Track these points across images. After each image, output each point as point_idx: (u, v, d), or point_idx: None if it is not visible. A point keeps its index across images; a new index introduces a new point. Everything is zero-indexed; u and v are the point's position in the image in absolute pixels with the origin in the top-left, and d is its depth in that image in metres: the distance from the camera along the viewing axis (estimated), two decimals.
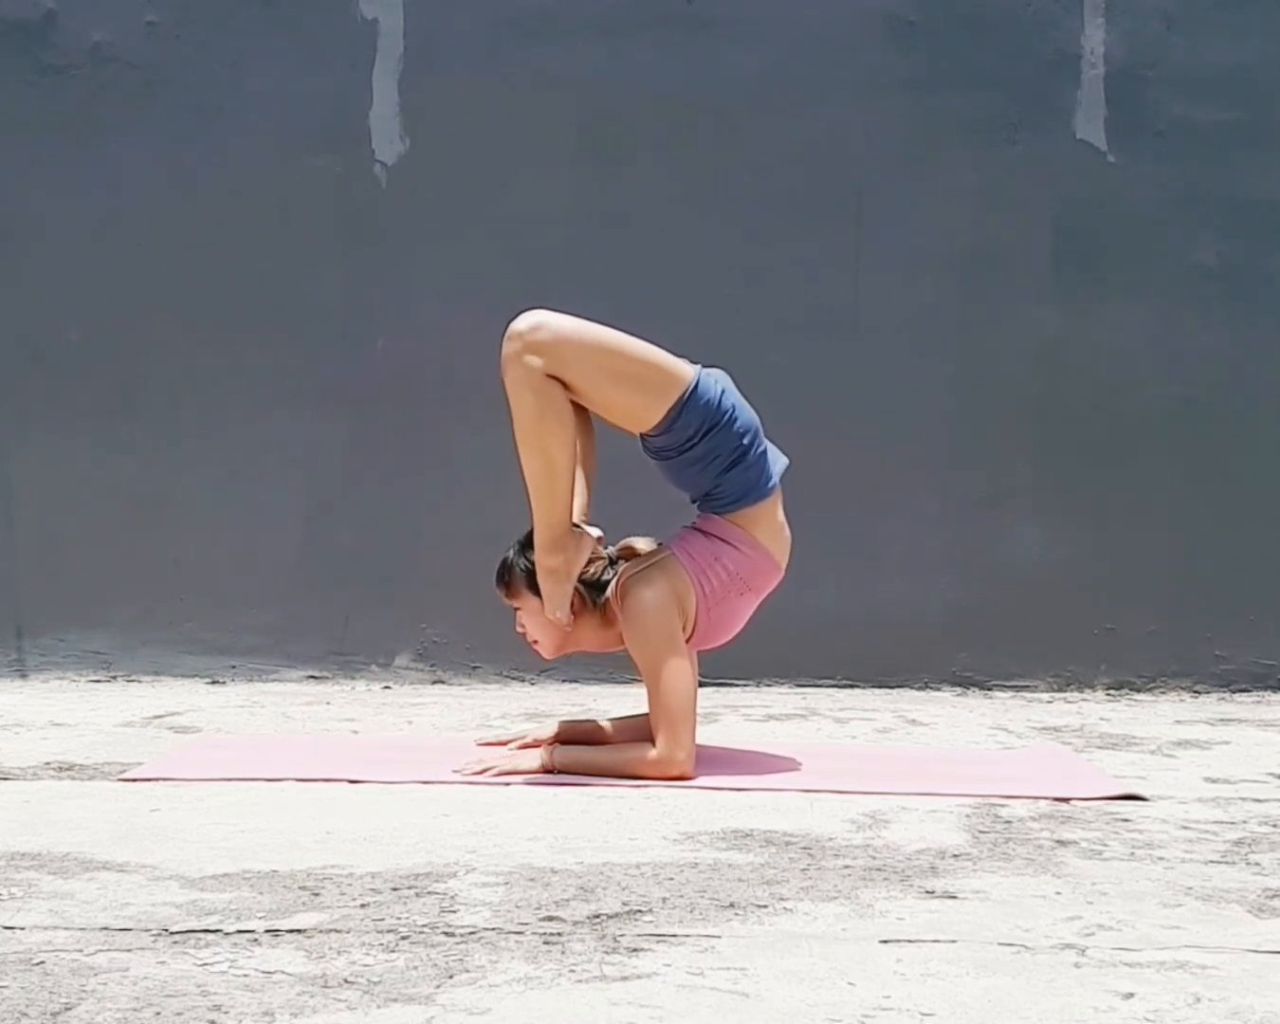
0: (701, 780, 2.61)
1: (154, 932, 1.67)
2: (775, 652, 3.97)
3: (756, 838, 2.19)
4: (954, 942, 1.66)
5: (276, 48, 4.14)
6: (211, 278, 4.14)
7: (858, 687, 4.08)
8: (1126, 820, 2.35)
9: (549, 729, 2.90)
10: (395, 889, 1.86)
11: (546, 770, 2.67)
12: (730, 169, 4.11)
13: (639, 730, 2.78)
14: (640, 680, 2.73)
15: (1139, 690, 4.05)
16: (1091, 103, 4.06)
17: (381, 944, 1.63)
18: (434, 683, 4.12)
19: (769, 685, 4.10)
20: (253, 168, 4.14)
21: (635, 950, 1.61)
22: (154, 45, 4.14)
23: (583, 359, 2.53)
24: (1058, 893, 1.88)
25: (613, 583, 2.74)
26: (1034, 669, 4.07)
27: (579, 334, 2.54)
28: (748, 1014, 1.42)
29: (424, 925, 1.70)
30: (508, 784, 2.60)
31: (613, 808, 2.40)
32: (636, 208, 4.12)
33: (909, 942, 1.66)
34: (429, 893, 1.85)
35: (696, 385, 2.58)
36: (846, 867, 2.01)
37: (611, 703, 3.69)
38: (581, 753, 2.73)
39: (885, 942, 1.66)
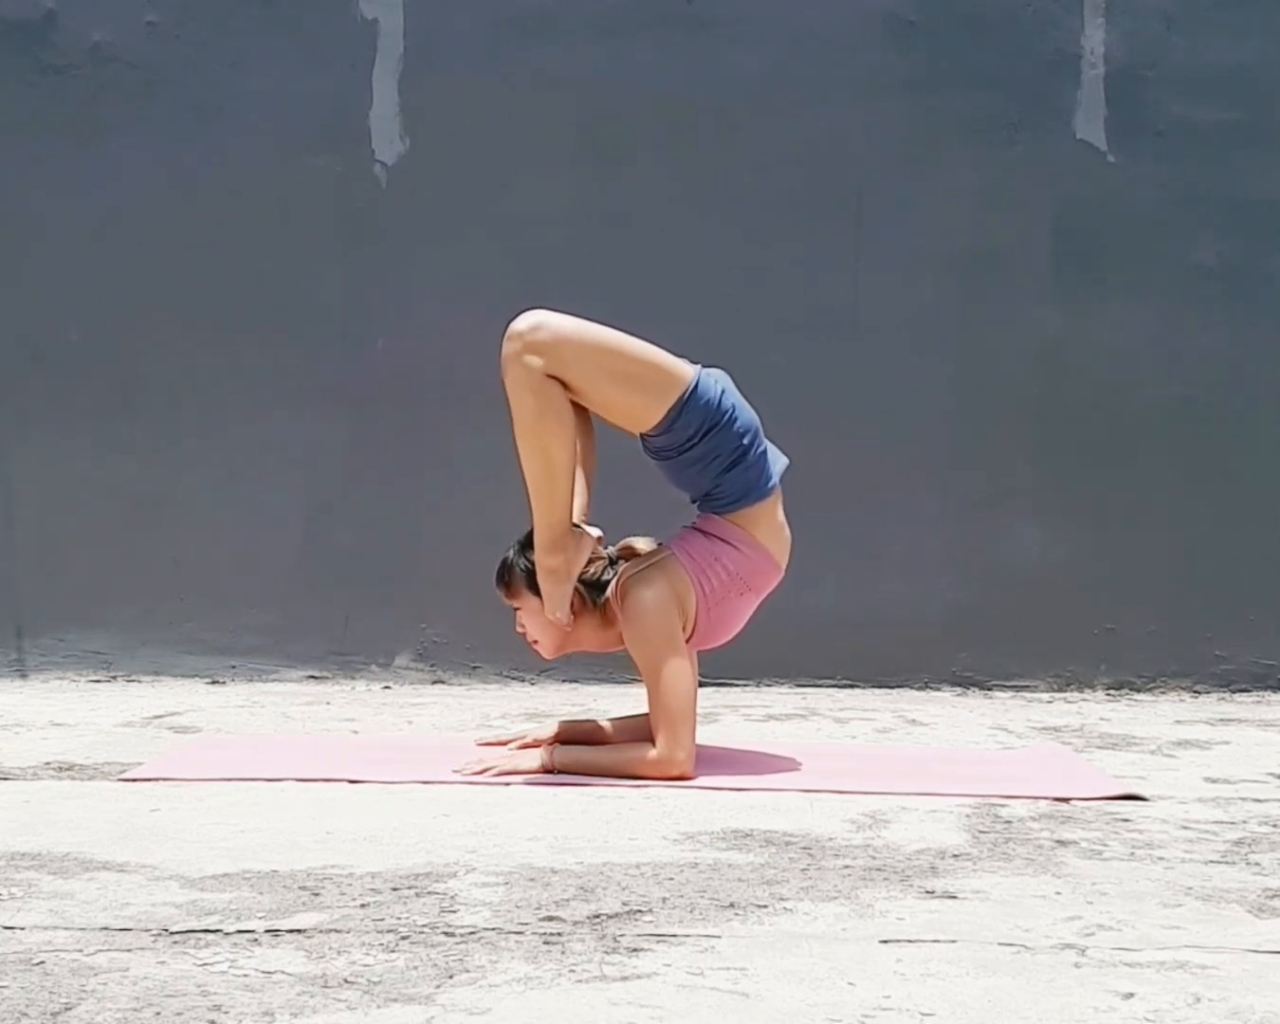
0: (701, 780, 2.61)
1: (154, 932, 1.67)
2: (775, 652, 3.97)
3: (756, 838, 2.19)
4: (954, 942, 1.66)
5: (276, 48, 4.14)
6: (211, 278, 4.14)
7: (858, 687, 4.08)
8: (1126, 820, 2.35)
9: (549, 729, 2.90)
10: (395, 889, 1.86)
11: (546, 770, 2.67)
12: (730, 169, 4.11)
13: (639, 730, 2.78)
14: (640, 680, 2.73)
15: (1139, 690, 4.05)
16: (1091, 103, 4.06)
17: (381, 944, 1.63)
18: (434, 683, 4.12)
19: (769, 685, 4.10)
20: (253, 168, 4.14)
21: (635, 950, 1.61)
22: (154, 45, 4.14)
23: (583, 359, 2.53)
24: (1058, 893, 1.88)
25: (613, 583, 2.74)
26: (1034, 669, 4.07)
27: (579, 334, 2.54)
28: (748, 1014, 1.42)
29: (424, 925, 1.70)
30: (508, 784, 2.60)
31: (613, 808, 2.40)
32: (636, 208, 4.12)
33: (909, 942, 1.66)
34: (429, 893, 1.85)
35: (696, 385, 2.58)
36: (846, 867, 2.01)
37: (611, 703, 3.69)
38: (581, 753, 2.73)
39: (885, 942, 1.66)
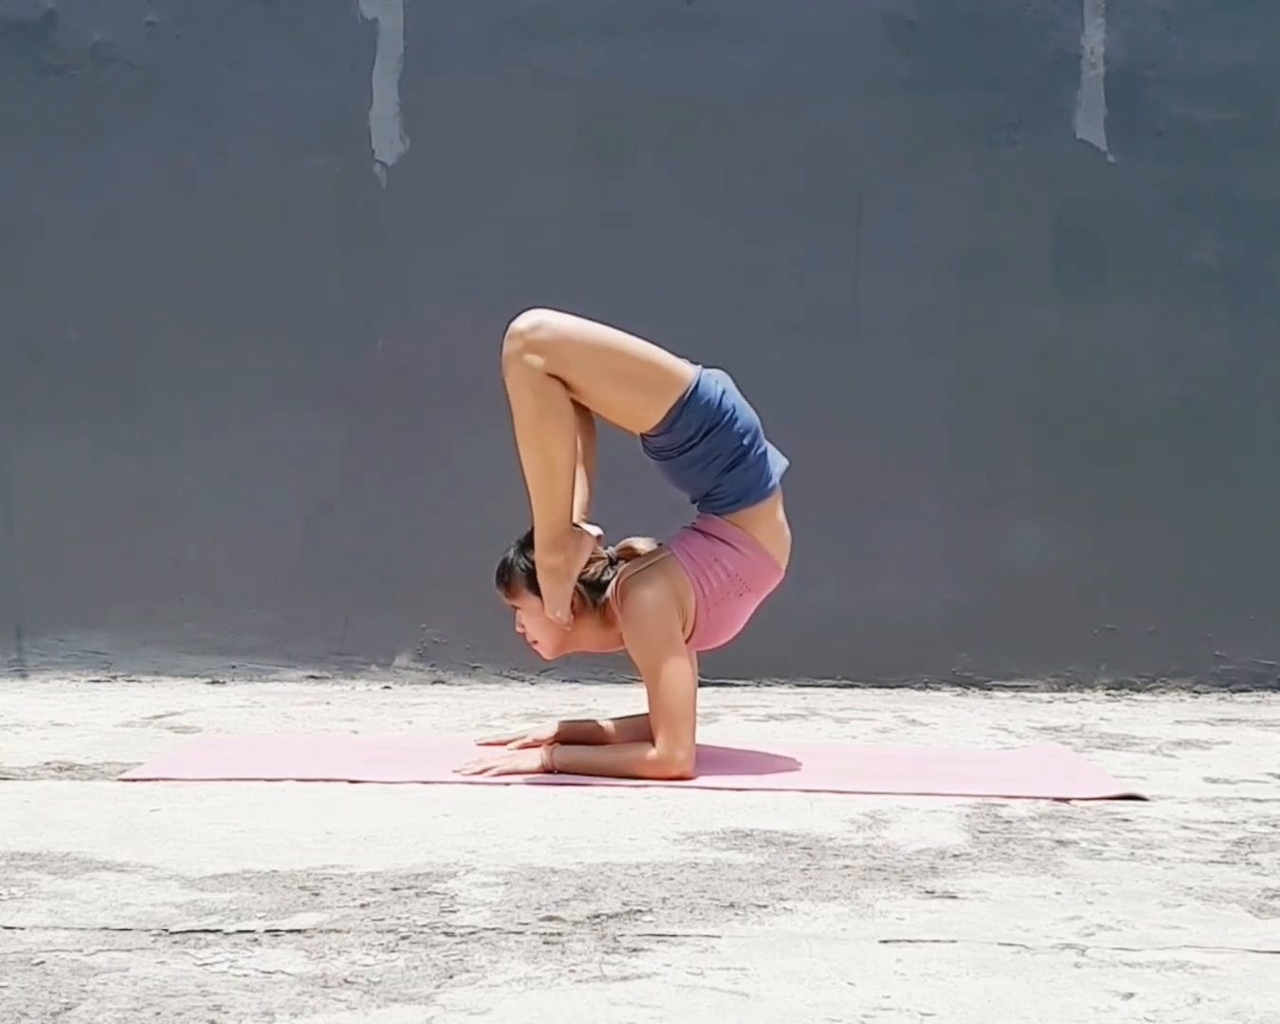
0: (701, 780, 2.61)
1: (154, 932, 1.67)
2: (775, 652, 3.97)
3: (756, 838, 2.19)
4: (954, 942, 1.66)
5: (276, 48, 4.14)
6: (211, 278, 4.14)
7: (858, 687, 4.08)
8: (1126, 820, 2.35)
9: (549, 729, 2.90)
10: (395, 889, 1.86)
11: (546, 770, 2.67)
12: (730, 169, 4.11)
13: (639, 730, 2.78)
14: (640, 680, 2.73)
15: (1139, 690, 4.05)
16: (1091, 103, 4.06)
17: (381, 944, 1.63)
18: (434, 683, 4.12)
19: (769, 685, 4.10)
20: (253, 168, 4.14)
21: (635, 950, 1.61)
22: (154, 45, 4.14)
23: (583, 358, 2.53)
24: (1058, 893, 1.88)
25: (612, 583, 2.74)
26: (1034, 669, 4.07)
27: (580, 333, 2.54)
28: (748, 1014, 1.42)
29: (424, 925, 1.70)
30: (508, 784, 2.60)
31: (613, 808, 2.40)
32: (636, 208, 4.12)
33: (909, 942, 1.66)
34: (429, 893, 1.85)
35: (697, 385, 2.58)
36: (846, 867, 2.01)
37: (611, 703, 3.69)
38: (581, 753, 2.73)
39: (885, 942, 1.66)
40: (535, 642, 2.80)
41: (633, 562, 2.74)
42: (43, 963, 1.56)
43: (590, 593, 2.76)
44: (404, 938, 1.65)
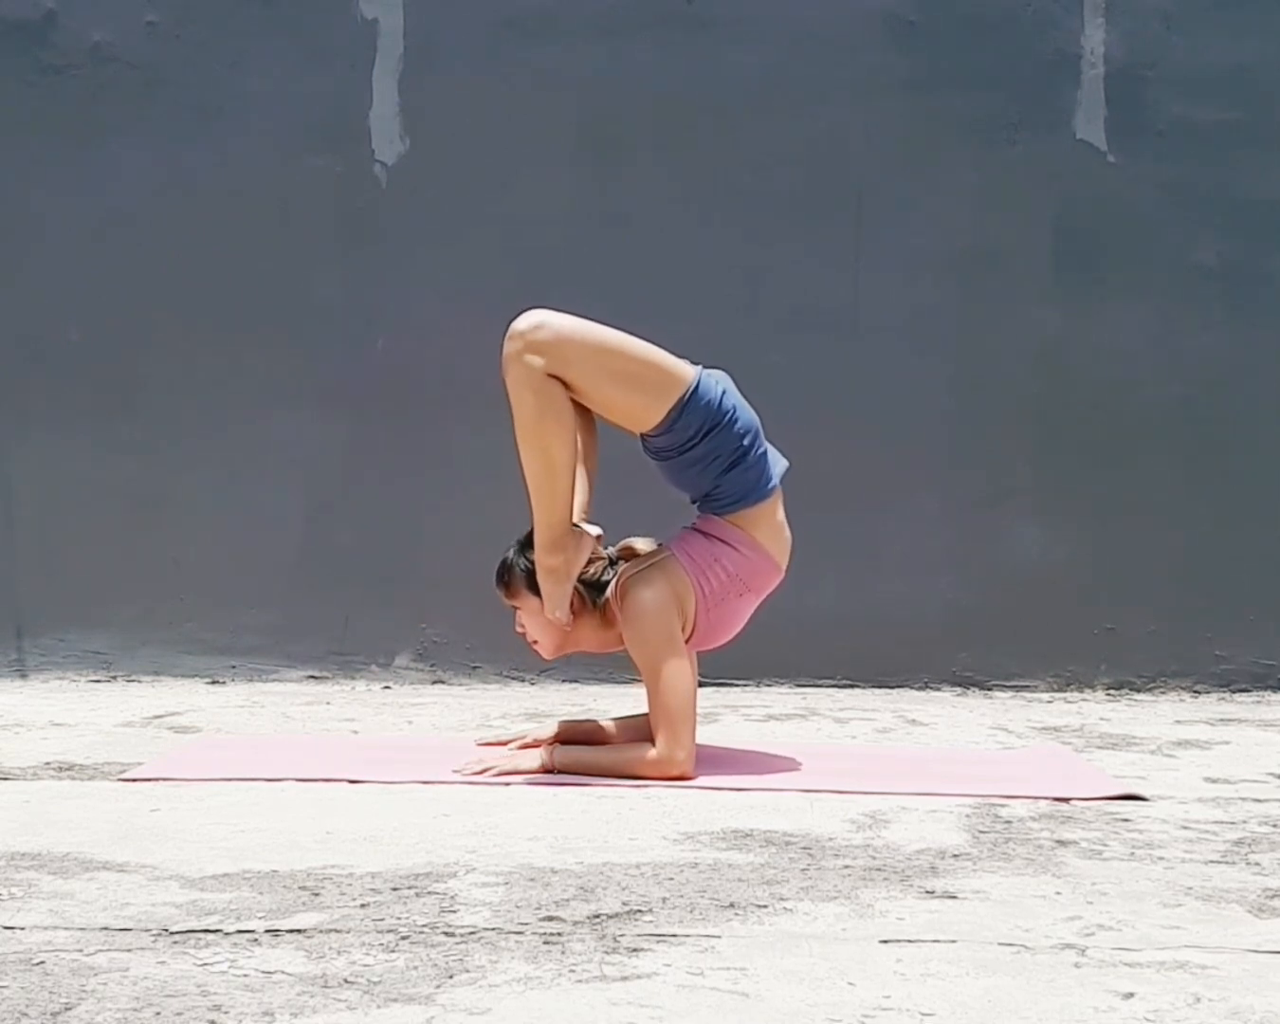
0: (701, 780, 2.61)
1: (154, 932, 1.67)
2: (775, 652, 3.97)
3: (756, 838, 2.19)
4: (954, 942, 1.66)
5: (276, 48, 4.14)
6: (211, 278, 4.14)
7: (858, 687, 4.08)
8: (1126, 820, 2.35)
9: (549, 729, 2.90)
10: (395, 889, 1.86)
11: (546, 770, 2.67)
12: (730, 169, 4.11)
13: (639, 730, 2.78)
14: (640, 680, 2.73)
15: (1139, 690, 4.05)
16: (1091, 103, 4.06)
17: (381, 944, 1.63)
18: (434, 683, 4.12)
19: (769, 685, 4.10)
20: (253, 168, 4.14)
21: (635, 950, 1.61)
22: (154, 45, 4.14)
23: (584, 359, 2.53)
24: (1058, 893, 1.88)
25: (612, 583, 2.74)
26: (1034, 669, 4.07)
27: (580, 333, 2.54)
28: (748, 1014, 1.42)
29: (424, 925, 1.70)
30: (508, 784, 2.60)
31: (613, 808, 2.40)
32: (636, 208, 4.12)
33: (909, 942, 1.66)
34: (429, 893, 1.85)
35: (697, 386, 2.58)
36: (846, 867, 2.01)
37: (611, 703, 3.69)
38: (581, 753, 2.73)
39: (885, 942, 1.66)
40: (535, 642, 2.80)
41: (633, 562, 2.74)
42: (43, 963, 1.56)
43: (590, 593, 2.76)
44: (404, 938, 1.65)
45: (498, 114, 4.12)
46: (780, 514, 2.75)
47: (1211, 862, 2.07)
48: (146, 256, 4.15)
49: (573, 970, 1.54)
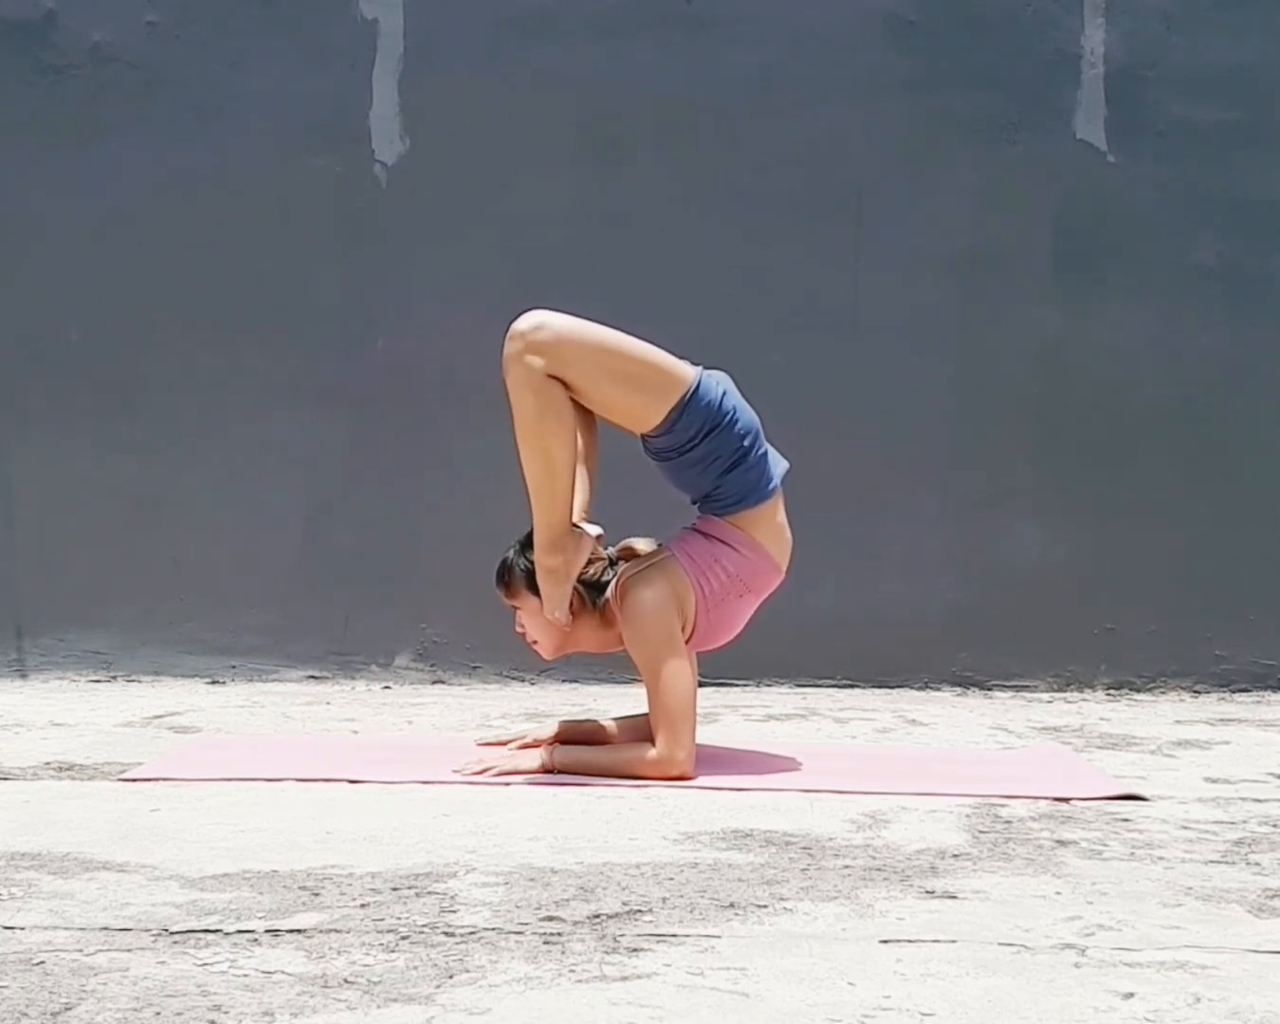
0: (701, 780, 2.61)
1: (154, 932, 1.67)
2: (775, 652, 3.97)
3: (756, 838, 2.19)
4: (954, 942, 1.66)
5: (276, 48, 4.14)
6: (211, 278, 4.14)
7: (858, 687, 4.08)
8: (1126, 820, 2.35)
9: (549, 729, 2.90)
10: (395, 889, 1.86)
11: (546, 770, 2.67)
12: (730, 169, 4.11)
13: (639, 730, 2.78)
14: (640, 680, 2.73)
15: (1139, 690, 4.05)
16: (1091, 103, 4.06)
17: (381, 944, 1.63)
18: (434, 683, 4.12)
19: (769, 685, 4.10)
20: (253, 168, 4.14)
21: (635, 950, 1.61)
22: (154, 45, 4.14)
23: (584, 359, 2.53)
24: (1058, 893, 1.88)
25: (612, 584, 2.74)
26: (1034, 669, 4.07)
27: (580, 334, 2.54)
28: (748, 1014, 1.42)
29: (424, 925, 1.70)
30: (508, 784, 2.60)
31: (613, 808, 2.40)
32: (636, 208, 4.12)
33: (909, 942, 1.66)
34: (429, 893, 1.85)
35: (698, 387, 2.58)
36: (846, 867, 2.01)
37: (611, 703, 3.69)
38: (581, 753, 2.73)
39: (885, 942, 1.66)
40: (535, 642, 2.80)
41: (632, 562, 2.74)
42: (43, 963, 1.56)
43: (590, 593, 2.76)
44: (404, 938, 1.65)
45: (498, 114, 4.12)
46: (781, 515, 2.75)
47: (1211, 862, 2.07)
48: (146, 256, 4.15)
49: (573, 970, 1.54)
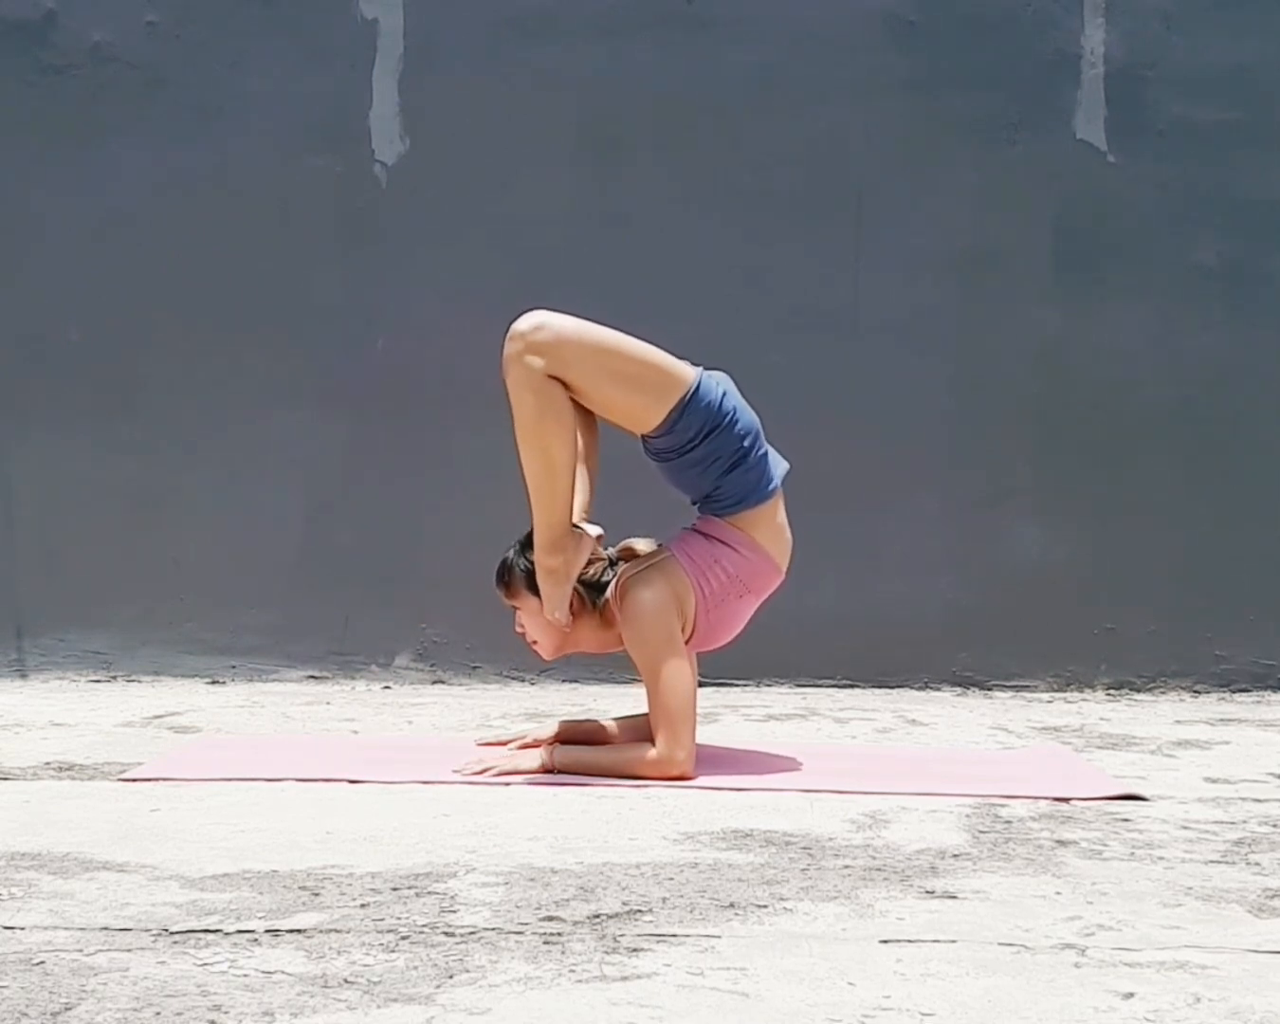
0: (701, 780, 2.61)
1: (154, 932, 1.67)
2: (775, 652, 3.97)
3: (756, 838, 2.19)
4: (954, 942, 1.66)
5: (276, 48, 4.14)
6: (211, 278, 4.14)
7: (858, 687, 4.08)
8: (1126, 820, 2.35)
9: (549, 729, 2.90)
10: (395, 889, 1.86)
11: (546, 770, 2.67)
12: (730, 169, 4.11)
13: (640, 730, 2.78)
14: (640, 680, 2.73)
15: (1139, 690, 4.05)
16: (1091, 103, 4.06)
17: (381, 944, 1.63)
18: (434, 683, 4.12)
19: (769, 685, 4.10)
20: (253, 168, 4.14)
21: (635, 950, 1.61)
22: (154, 45, 4.14)
23: (584, 359, 2.53)
24: (1058, 893, 1.88)
25: (612, 584, 2.74)
26: (1034, 669, 4.07)
27: (580, 334, 2.54)
28: (748, 1014, 1.42)
29: (424, 925, 1.70)
30: (508, 784, 2.60)
31: (613, 808, 2.40)
32: (636, 208, 4.12)
33: (909, 942, 1.66)
34: (429, 893, 1.85)
35: (698, 387, 2.58)
36: (846, 867, 2.01)
37: (611, 703, 3.69)
38: (581, 753, 2.73)
39: (885, 942, 1.66)
40: (535, 642, 2.80)
41: (632, 562, 2.74)
42: (43, 963, 1.56)
43: (590, 593, 2.76)
44: (404, 938, 1.65)
45: (498, 114, 4.12)
46: (781, 516, 2.75)
47: (1211, 862, 2.07)
48: (146, 256, 4.15)
49: (573, 970, 1.54)
